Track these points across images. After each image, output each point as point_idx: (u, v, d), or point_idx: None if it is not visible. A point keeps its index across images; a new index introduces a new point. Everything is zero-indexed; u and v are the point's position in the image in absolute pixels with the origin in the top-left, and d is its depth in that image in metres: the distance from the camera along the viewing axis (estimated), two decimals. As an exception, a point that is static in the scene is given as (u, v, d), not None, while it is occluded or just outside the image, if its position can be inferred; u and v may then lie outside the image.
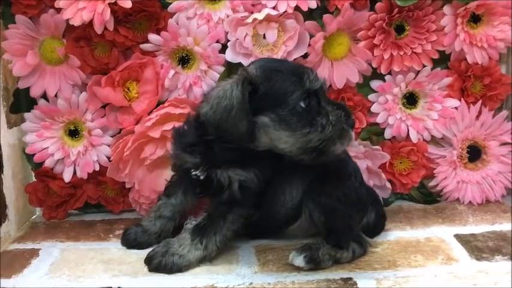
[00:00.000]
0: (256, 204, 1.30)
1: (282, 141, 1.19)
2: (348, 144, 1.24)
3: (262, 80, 1.18)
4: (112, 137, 1.56)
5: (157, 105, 1.53)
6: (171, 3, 1.51)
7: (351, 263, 1.30)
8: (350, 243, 1.31)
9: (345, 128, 1.20)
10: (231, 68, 1.55)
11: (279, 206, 1.34)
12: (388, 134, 1.65)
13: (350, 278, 1.23)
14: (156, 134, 1.44)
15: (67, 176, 1.57)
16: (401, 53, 1.58)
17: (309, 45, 1.52)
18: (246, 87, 1.16)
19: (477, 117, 1.65)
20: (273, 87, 1.18)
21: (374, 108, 1.63)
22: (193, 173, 1.29)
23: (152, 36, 1.50)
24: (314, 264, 1.26)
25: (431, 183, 1.70)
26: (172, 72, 1.53)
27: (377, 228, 1.45)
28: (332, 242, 1.29)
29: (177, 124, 1.42)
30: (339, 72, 1.57)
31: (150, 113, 1.51)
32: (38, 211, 1.67)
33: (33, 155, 1.56)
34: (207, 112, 1.19)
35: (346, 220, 1.32)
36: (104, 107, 1.55)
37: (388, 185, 1.65)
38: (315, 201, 1.30)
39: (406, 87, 1.62)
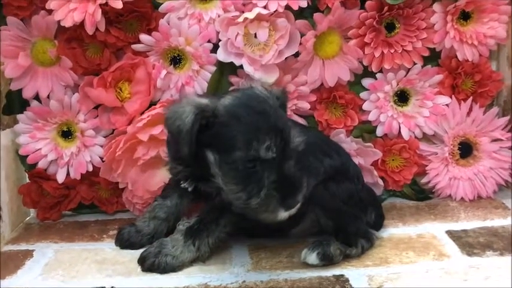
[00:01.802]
0: None
1: (220, 182, 1.18)
2: (278, 219, 1.15)
3: (219, 120, 1.14)
4: (105, 137, 1.56)
5: (150, 105, 1.53)
6: (162, 4, 1.51)
7: (344, 260, 1.31)
8: (359, 240, 1.33)
9: (274, 207, 1.13)
10: (222, 68, 1.56)
11: None
12: (379, 131, 1.66)
13: (342, 275, 1.24)
14: (144, 137, 1.44)
15: (60, 177, 1.57)
16: (392, 50, 1.59)
17: (300, 44, 1.53)
18: (197, 120, 1.13)
19: (468, 113, 1.66)
20: (225, 133, 1.13)
21: (366, 106, 1.64)
22: (182, 185, 1.31)
23: (144, 37, 1.50)
24: (328, 260, 1.27)
25: (424, 180, 1.70)
26: (164, 72, 1.53)
27: (376, 227, 1.45)
28: (341, 240, 1.30)
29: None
30: (330, 71, 1.58)
31: (142, 113, 1.51)
32: (32, 212, 1.67)
33: (27, 156, 1.56)
34: (167, 120, 1.19)
35: (354, 222, 1.33)
36: (96, 107, 1.55)
37: (381, 182, 1.65)
38: (321, 207, 1.31)
39: (397, 84, 1.63)
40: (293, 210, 1.15)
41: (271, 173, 1.12)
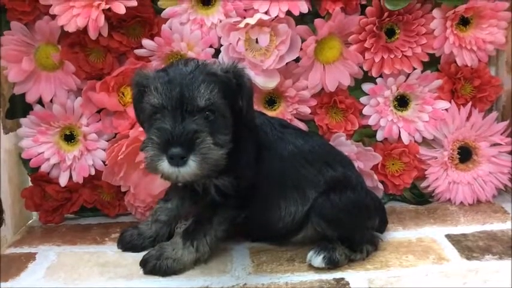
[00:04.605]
0: (242, 206, 1.31)
1: None
2: (160, 169, 1.12)
3: (144, 84, 1.20)
4: (107, 141, 1.58)
5: (152, 109, 1.54)
6: (164, 9, 1.53)
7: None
8: (364, 246, 1.34)
9: (154, 154, 1.11)
10: (224, 72, 1.57)
11: (275, 219, 1.35)
12: (380, 135, 1.67)
13: (342, 278, 1.25)
14: (146, 138, 1.46)
15: (63, 181, 1.58)
16: (392, 56, 1.60)
17: (301, 49, 1.54)
18: (134, 89, 1.25)
19: (467, 118, 1.67)
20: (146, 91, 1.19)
21: (366, 110, 1.65)
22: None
23: (146, 42, 1.52)
24: (333, 264, 1.29)
25: (423, 184, 1.71)
26: (166, 77, 1.54)
27: (379, 232, 1.46)
28: (347, 245, 1.31)
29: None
30: (331, 76, 1.59)
31: (144, 117, 1.52)
32: (35, 215, 1.68)
33: (29, 160, 1.58)
34: None
35: (359, 230, 1.34)
36: (99, 112, 1.57)
37: (381, 186, 1.67)
38: (325, 218, 1.31)
39: (397, 89, 1.64)
40: (184, 170, 1.09)
41: (163, 122, 1.13)
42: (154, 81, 1.16)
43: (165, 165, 1.10)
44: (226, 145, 1.18)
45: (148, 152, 1.12)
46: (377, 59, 1.59)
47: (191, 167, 1.10)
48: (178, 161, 1.09)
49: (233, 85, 1.22)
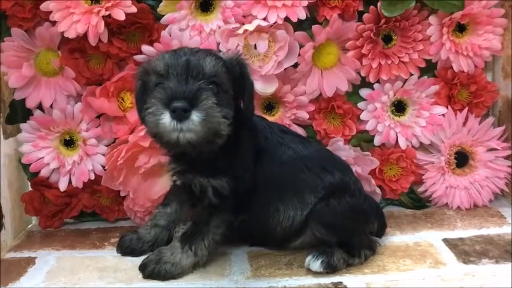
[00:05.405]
0: (240, 209, 1.32)
1: None
2: (162, 122, 1.10)
3: (148, 68, 1.22)
4: (107, 146, 1.59)
5: (151, 114, 1.55)
6: (164, 15, 1.54)
7: (343, 267, 1.33)
8: (362, 251, 1.35)
9: (158, 109, 1.10)
10: (223, 78, 1.58)
11: (274, 223, 1.35)
12: (377, 141, 1.68)
13: (340, 282, 1.26)
14: (146, 143, 1.47)
15: (62, 185, 1.59)
16: (389, 62, 1.62)
17: (299, 55, 1.56)
18: (138, 80, 1.26)
19: (464, 123, 1.68)
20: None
21: (363, 116, 1.67)
22: (173, 178, 1.34)
23: (146, 48, 1.53)
24: (331, 269, 1.29)
25: (420, 189, 1.73)
26: (165, 82, 1.55)
27: (378, 236, 1.47)
28: (345, 249, 1.32)
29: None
30: (328, 81, 1.61)
31: (144, 122, 1.54)
32: (34, 220, 1.69)
33: (29, 164, 1.59)
34: None
35: (357, 235, 1.35)
36: (98, 117, 1.58)
37: (378, 190, 1.68)
38: (324, 224, 1.32)
39: (394, 95, 1.66)
40: (187, 127, 1.08)
41: (169, 84, 1.13)
42: (160, 55, 1.20)
43: (166, 119, 1.08)
44: (228, 118, 1.17)
45: (150, 109, 1.12)
46: (374, 65, 1.61)
47: (194, 123, 1.08)
48: (181, 114, 1.07)
49: (236, 72, 1.24)
